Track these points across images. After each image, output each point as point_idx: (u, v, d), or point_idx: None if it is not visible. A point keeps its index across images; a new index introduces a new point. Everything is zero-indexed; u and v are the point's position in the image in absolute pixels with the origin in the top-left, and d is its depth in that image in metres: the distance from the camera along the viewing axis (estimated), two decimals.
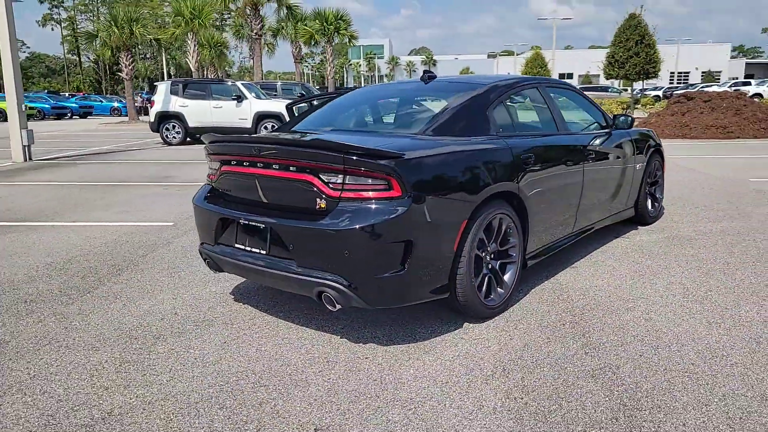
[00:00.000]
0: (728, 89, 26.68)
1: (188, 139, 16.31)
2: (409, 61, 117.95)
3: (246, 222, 3.27)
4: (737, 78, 68.97)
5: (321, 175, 2.94)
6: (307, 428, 2.39)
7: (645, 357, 2.94)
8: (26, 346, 3.26)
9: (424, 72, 4.38)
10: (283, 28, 34.34)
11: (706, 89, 23.68)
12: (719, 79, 70.06)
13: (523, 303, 3.72)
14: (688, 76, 76.12)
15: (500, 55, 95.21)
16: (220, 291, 4.11)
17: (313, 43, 30.43)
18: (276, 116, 15.35)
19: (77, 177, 10.18)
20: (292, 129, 4.16)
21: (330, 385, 2.75)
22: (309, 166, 2.97)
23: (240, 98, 15.44)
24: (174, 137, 16.11)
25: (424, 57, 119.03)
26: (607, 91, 41.19)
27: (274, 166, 3.12)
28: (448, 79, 4.54)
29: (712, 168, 9.56)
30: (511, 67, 77.45)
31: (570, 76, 72.17)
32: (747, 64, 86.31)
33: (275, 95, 20.05)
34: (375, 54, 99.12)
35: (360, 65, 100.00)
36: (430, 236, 2.99)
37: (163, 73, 58.34)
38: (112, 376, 2.90)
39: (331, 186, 2.92)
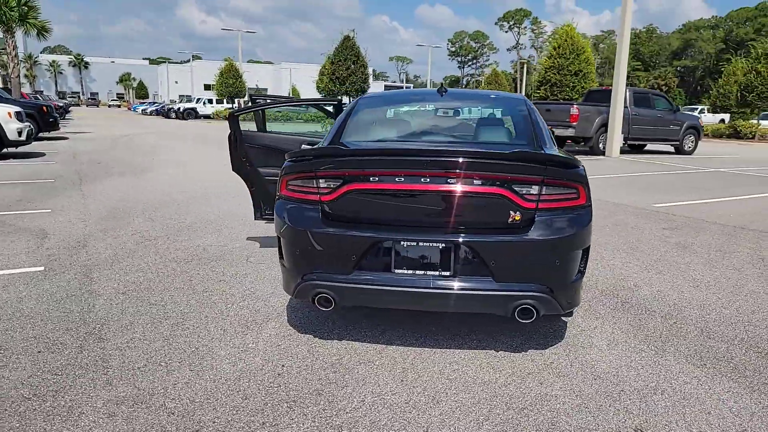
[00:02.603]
0: None
1: None
2: (53, 61, 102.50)
3: (413, 243, 2.98)
4: None
5: (515, 187, 2.94)
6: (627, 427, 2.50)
7: (741, 316, 3.83)
8: None
9: (441, 86, 4.51)
10: None
11: None
12: None
13: None
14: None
15: (169, 62, 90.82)
16: (280, 333, 3.49)
17: None
18: None
19: None
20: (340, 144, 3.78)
21: (566, 391, 2.83)
22: (501, 179, 2.93)
23: None
24: None
25: (72, 57, 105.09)
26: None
27: (450, 180, 2.95)
28: (464, 92, 4.76)
29: None
30: (186, 75, 74.92)
31: (265, 90, 73.22)
32: (386, 86, 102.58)
33: None
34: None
35: None
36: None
37: None
38: None
39: (526, 197, 2.95)
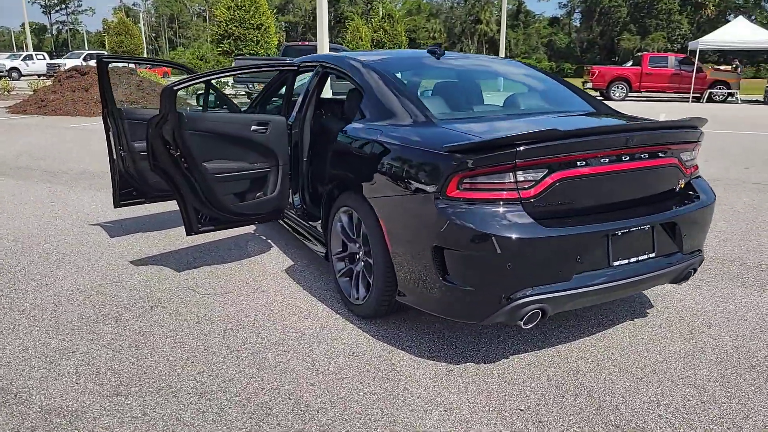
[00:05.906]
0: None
1: None
2: None
3: (626, 229, 2.70)
4: None
5: (681, 155, 2.96)
6: None
7: None
8: None
9: (439, 45, 3.94)
10: None
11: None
12: None
13: None
14: None
15: None
16: (437, 372, 2.77)
17: None
18: None
19: None
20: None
21: (733, 336, 3.11)
22: (674, 148, 2.90)
23: None
24: None
25: None
26: None
27: (643, 155, 2.77)
28: (465, 55, 4.33)
29: None
30: None
31: None
32: None
33: None
34: None
35: None
36: None
37: None
38: None
39: (686, 164, 3.00)
